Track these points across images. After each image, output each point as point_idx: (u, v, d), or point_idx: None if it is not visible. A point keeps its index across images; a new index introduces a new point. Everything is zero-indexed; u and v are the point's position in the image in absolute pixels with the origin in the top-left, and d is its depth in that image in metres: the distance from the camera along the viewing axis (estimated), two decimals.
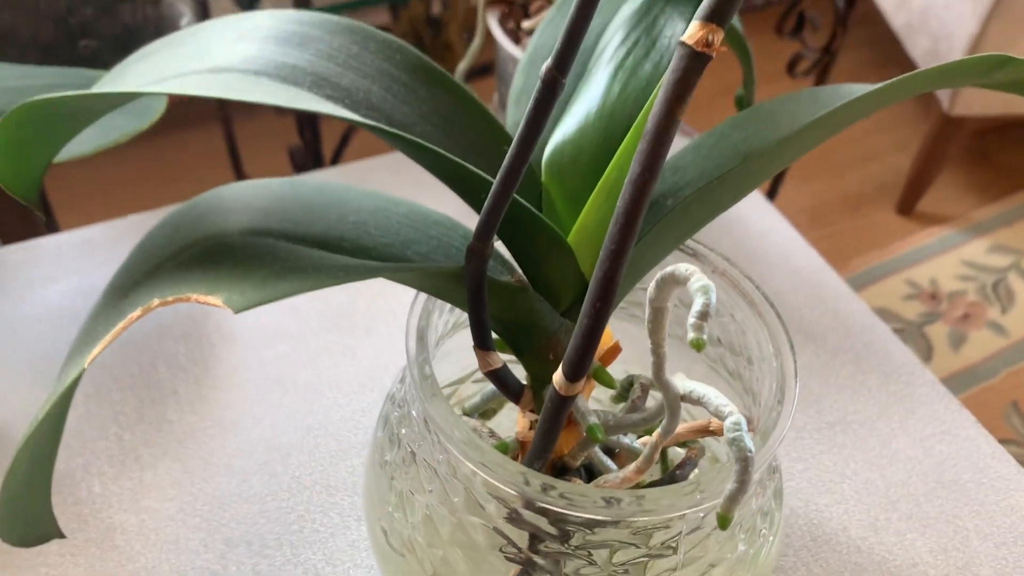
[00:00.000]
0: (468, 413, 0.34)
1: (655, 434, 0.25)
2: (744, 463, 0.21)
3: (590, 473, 0.31)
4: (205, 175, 1.34)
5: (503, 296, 0.28)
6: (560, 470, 0.30)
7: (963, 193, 1.51)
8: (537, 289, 0.30)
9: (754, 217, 0.55)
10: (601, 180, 0.28)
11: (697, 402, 0.23)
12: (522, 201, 0.27)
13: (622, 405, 0.33)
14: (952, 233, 1.44)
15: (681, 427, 0.33)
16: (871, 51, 1.75)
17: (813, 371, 0.46)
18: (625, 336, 0.32)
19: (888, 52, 1.69)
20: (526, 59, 0.36)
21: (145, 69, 0.28)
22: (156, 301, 0.25)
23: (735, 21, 0.48)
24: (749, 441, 0.21)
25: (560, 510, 0.25)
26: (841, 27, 0.86)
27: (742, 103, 0.50)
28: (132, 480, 0.39)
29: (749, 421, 0.31)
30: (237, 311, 0.24)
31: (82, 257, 0.49)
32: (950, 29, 1.32)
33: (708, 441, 0.37)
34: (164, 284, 0.26)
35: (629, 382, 0.36)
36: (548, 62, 0.22)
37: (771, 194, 1.06)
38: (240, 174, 1.11)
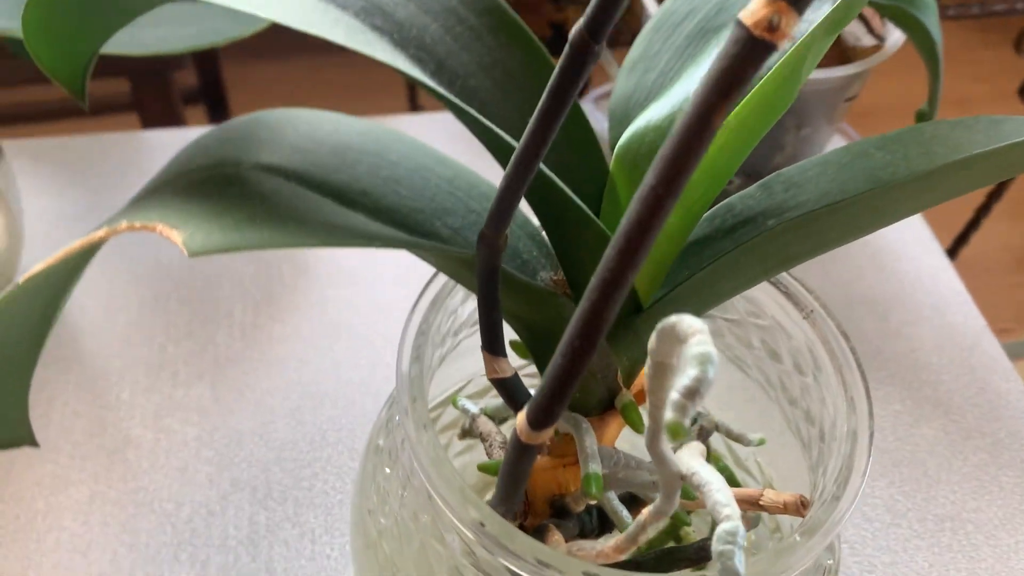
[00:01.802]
0: (490, 415, 0.30)
1: (645, 512, 0.20)
2: None
3: (603, 520, 0.27)
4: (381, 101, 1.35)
5: (527, 296, 0.24)
6: (560, 510, 0.26)
7: None
8: (577, 295, 0.25)
9: (913, 254, 0.47)
10: None
11: (696, 489, 0.18)
12: (563, 188, 0.22)
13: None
14: None
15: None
16: None
17: (936, 449, 0.39)
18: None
19: None
20: (652, 23, 0.31)
21: None
22: (124, 224, 0.23)
23: (932, 20, 0.40)
24: (741, 564, 0.16)
25: (513, 568, 0.20)
26: None
27: (923, 118, 0.42)
28: (161, 395, 0.38)
29: (803, 505, 0.25)
30: (192, 254, 0.20)
31: None
32: None
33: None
34: (151, 206, 0.23)
35: (693, 420, 0.31)
36: (579, 23, 0.17)
37: (974, 224, 0.94)
38: (414, 105, 1.10)
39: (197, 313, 0.41)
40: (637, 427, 0.24)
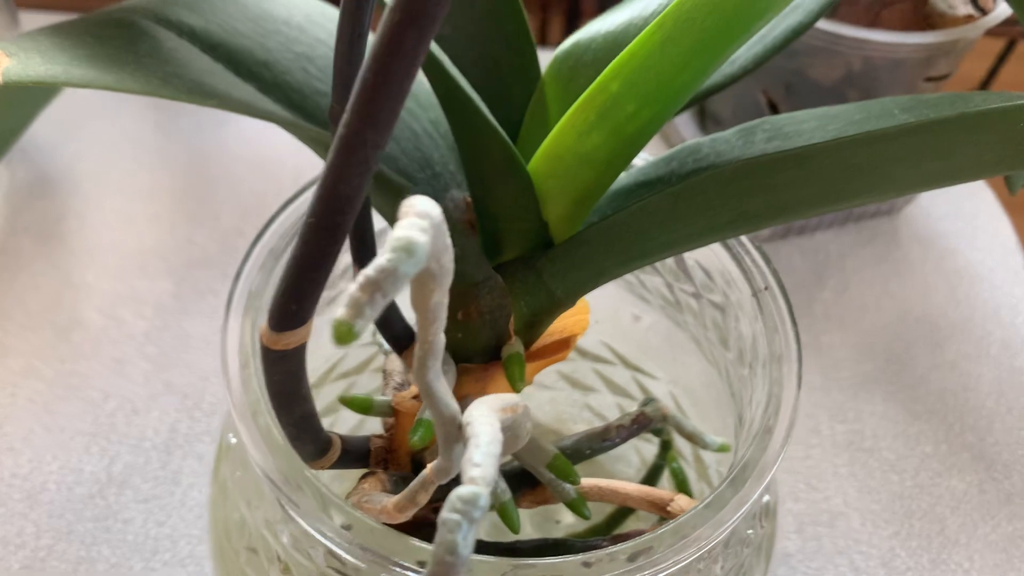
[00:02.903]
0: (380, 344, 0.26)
1: (428, 468, 0.16)
2: (441, 568, 0.12)
3: None
4: None
5: (395, 198, 0.20)
6: (419, 466, 0.22)
7: None
8: (481, 221, 0.21)
9: (997, 281, 0.39)
10: (591, 89, 0.19)
11: (465, 441, 0.14)
12: (463, 87, 0.18)
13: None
14: None
15: (629, 487, 0.23)
16: None
17: (962, 507, 0.32)
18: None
19: None
20: None
21: None
22: None
23: None
24: (466, 541, 0.12)
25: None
26: None
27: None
28: (124, 284, 0.36)
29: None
30: (6, 80, 0.18)
31: None
32: None
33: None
34: (29, 37, 0.21)
35: (643, 403, 0.26)
36: None
37: None
38: None
39: (184, 208, 0.39)
40: (514, 383, 0.20)
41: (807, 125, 0.21)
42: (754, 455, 0.18)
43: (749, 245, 0.22)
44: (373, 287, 0.10)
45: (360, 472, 0.21)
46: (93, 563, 0.29)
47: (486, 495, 0.12)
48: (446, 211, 0.21)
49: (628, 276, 0.27)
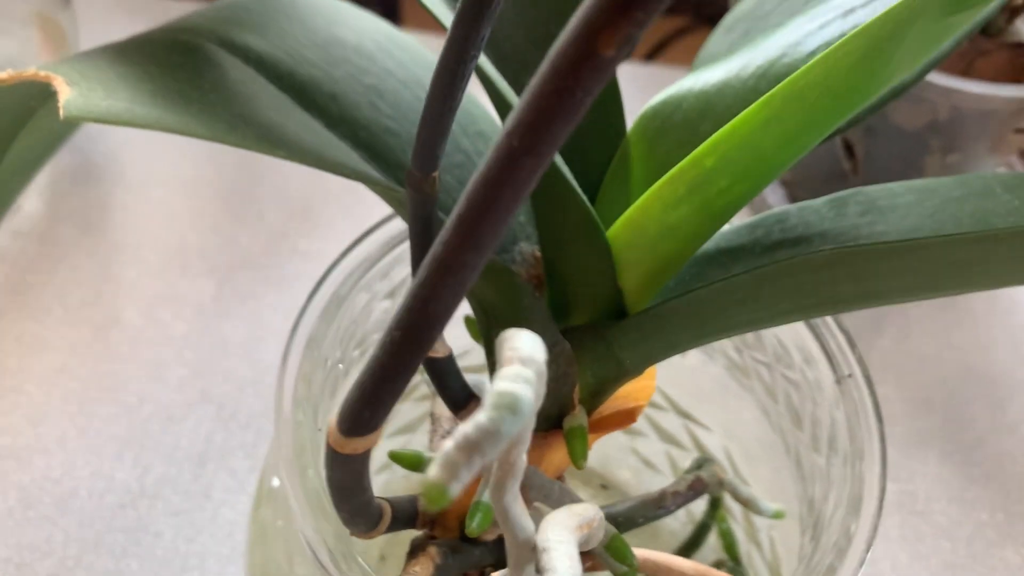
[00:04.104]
0: None
1: None
2: None
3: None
4: None
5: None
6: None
7: None
8: (551, 281, 0.20)
9: None
10: (684, 163, 0.17)
11: (539, 571, 0.13)
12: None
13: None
14: None
15: (685, 564, 0.22)
16: None
17: None
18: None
19: None
20: None
21: None
22: (31, 71, 0.19)
23: None
24: None
25: None
26: None
27: None
28: (165, 283, 0.36)
29: None
30: (67, 116, 0.17)
31: None
32: None
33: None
34: (85, 59, 0.20)
35: (697, 465, 0.25)
36: None
37: None
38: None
39: (228, 205, 0.38)
40: (575, 459, 0.19)
41: (902, 199, 0.20)
42: (833, 562, 0.17)
43: (833, 325, 0.21)
44: (471, 448, 0.09)
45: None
46: None
47: None
48: (510, 263, 0.20)
49: None
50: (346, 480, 0.14)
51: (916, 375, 0.35)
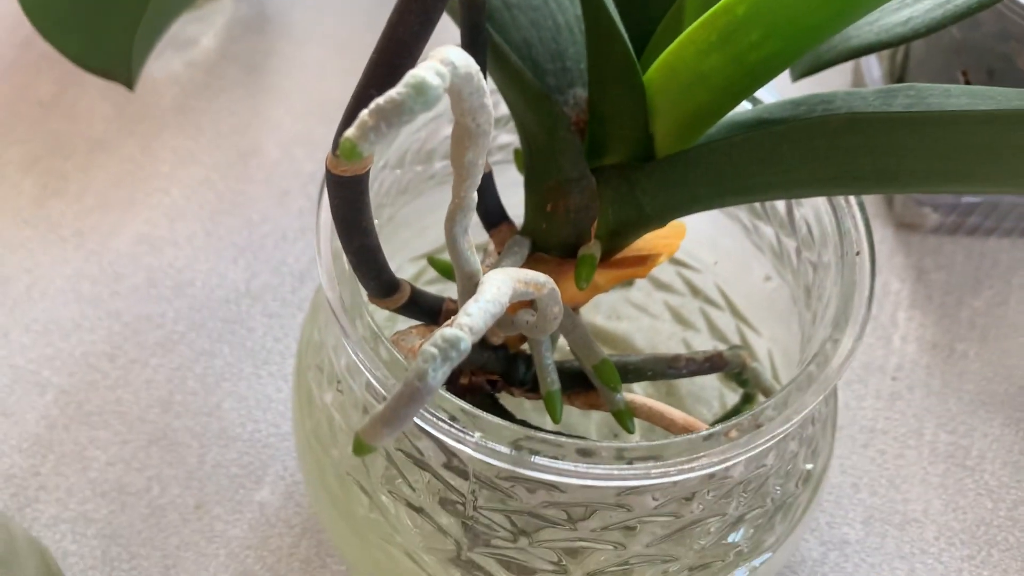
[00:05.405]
0: None
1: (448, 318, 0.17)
2: (408, 390, 0.13)
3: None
4: None
5: (520, 86, 0.21)
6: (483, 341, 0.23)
7: None
8: (591, 121, 0.22)
9: None
10: (716, 8, 0.18)
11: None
12: None
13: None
14: None
15: (676, 413, 0.23)
16: None
17: None
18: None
19: None
20: None
21: None
22: None
23: None
24: (435, 374, 0.13)
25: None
26: None
27: None
28: (314, 129, 0.39)
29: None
30: None
31: None
32: None
33: None
34: None
35: (731, 347, 0.26)
36: None
37: None
38: None
39: None
40: (578, 282, 0.21)
41: (956, 100, 0.20)
42: (788, 395, 0.18)
43: (855, 206, 0.21)
44: (379, 115, 0.11)
45: None
46: (212, 357, 0.33)
47: (468, 341, 0.14)
48: (563, 105, 0.22)
49: (745, 221, 0.27)
50: (346, 210, 0.17)
51: (1002, 341, 0.34)
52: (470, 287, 0.15)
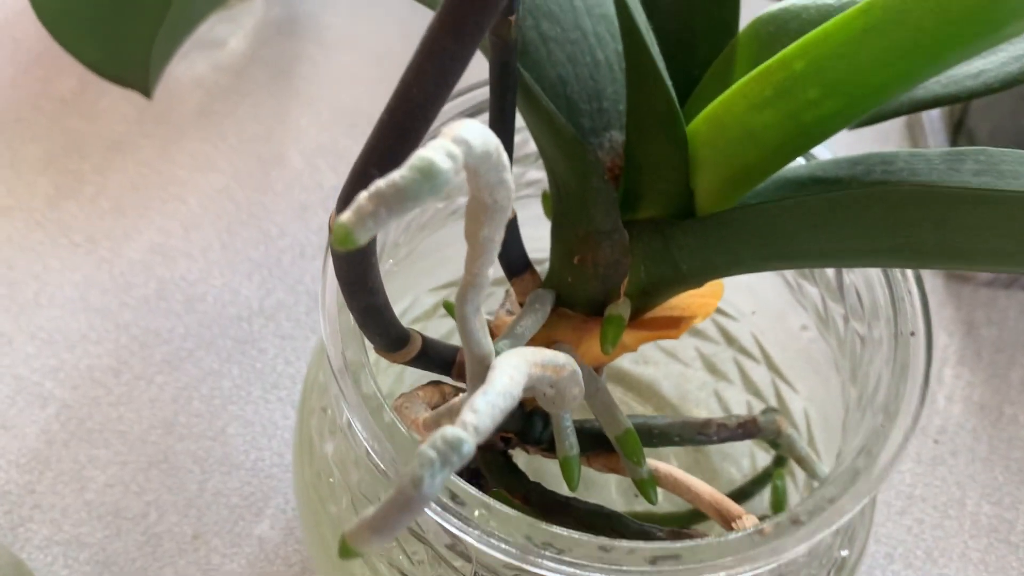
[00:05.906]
0: None
1: (459, 398, 0.15)
2: (401, 497, 0.12)
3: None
4: None
5: (551, 130, 0.19)
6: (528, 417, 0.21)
7: None
8: (627, 170, 0.20)
9: None
10: (773, 61, 0.17)
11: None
12: (638, 23, 0.17)
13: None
14: None
15: (703, 487, 0.21)
16: None
17: None
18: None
19: None
20: None
21: None
22: None
23: None
24: (433, 481, 0.12)
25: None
26: None
27: None
28: (334, 139, 0.38)
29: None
30: None
31: None
32: None
33: None
34: None
35: (763, 412, 0.24)
36: None
37: None
38: None
39: None
40: (604, 345, 0.19)
41: None
42: (832, 493, 0.16)
43: (912, 280, 0.19)
44: (379, 201, 0.10)
45: None
46: (220, 378, 0.32)
47: (472, 444, 0.12)
48: (597, 149, 0.20)
49: (789, 278, 0.25)
50: (349, 272, 0.15)
51: None
52: (481, 371, 0.14)
